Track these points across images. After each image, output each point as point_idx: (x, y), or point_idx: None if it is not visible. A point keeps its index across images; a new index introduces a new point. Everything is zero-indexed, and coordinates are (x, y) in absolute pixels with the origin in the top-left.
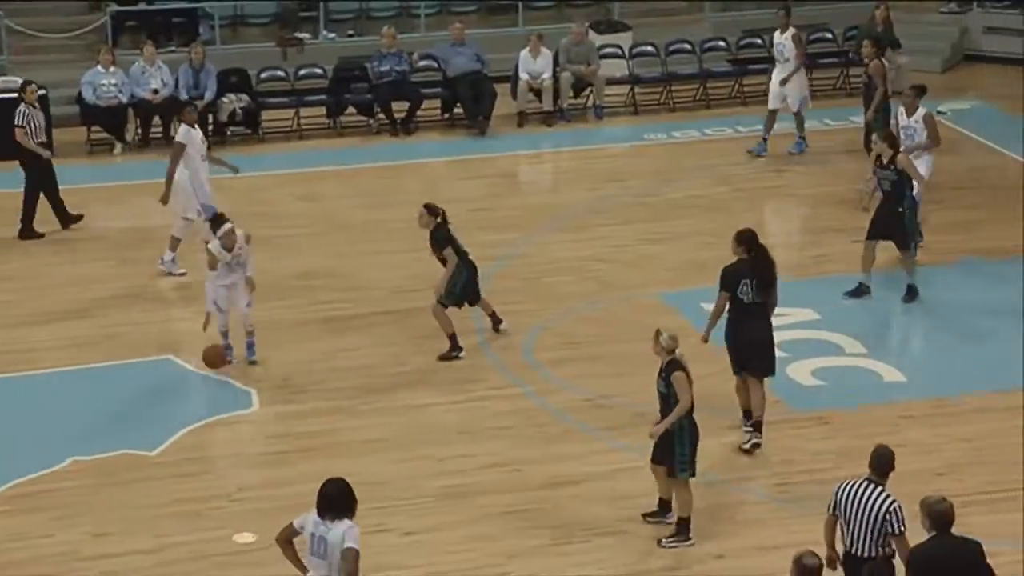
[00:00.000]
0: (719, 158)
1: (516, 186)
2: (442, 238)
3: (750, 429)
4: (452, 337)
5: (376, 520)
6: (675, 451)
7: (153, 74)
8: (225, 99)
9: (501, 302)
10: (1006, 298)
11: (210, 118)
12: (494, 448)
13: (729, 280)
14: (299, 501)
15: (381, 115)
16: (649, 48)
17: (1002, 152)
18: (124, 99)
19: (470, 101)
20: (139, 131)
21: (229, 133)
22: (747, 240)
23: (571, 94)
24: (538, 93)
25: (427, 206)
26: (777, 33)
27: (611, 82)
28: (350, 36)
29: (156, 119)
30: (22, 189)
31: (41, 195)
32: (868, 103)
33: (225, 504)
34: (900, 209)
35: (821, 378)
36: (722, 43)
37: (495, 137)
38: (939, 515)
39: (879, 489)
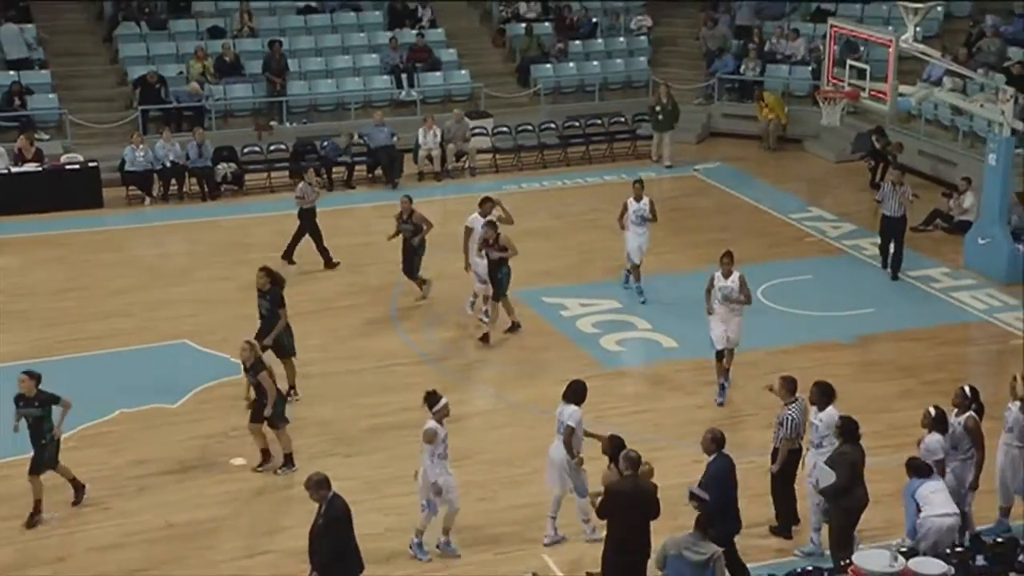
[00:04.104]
0: (555, 201)
1: None
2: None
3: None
4: None
5: (326, 447)
6: (274, 412)
7: (170, 149)
8: (220, 166)
9: (412, 300)
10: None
11: (207, 180)
12: (406, 398)
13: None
14: None
15: (326, 176)
16: (504, 128)
17: (736, 196)
18: (151, 167)
19: (387, 165)
20: (161, 189)
21: (223, 189)
22: None
23: (453, 159)
24: (431, 159)
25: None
26: (632, 200)
27: (480, 151)
28: (304, 123)
29: (172, 181)
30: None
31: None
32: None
33: (224, 439)
34: (497, 275)
35: (622, 346)
36: (552, 125)
37: (403, 189)
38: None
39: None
